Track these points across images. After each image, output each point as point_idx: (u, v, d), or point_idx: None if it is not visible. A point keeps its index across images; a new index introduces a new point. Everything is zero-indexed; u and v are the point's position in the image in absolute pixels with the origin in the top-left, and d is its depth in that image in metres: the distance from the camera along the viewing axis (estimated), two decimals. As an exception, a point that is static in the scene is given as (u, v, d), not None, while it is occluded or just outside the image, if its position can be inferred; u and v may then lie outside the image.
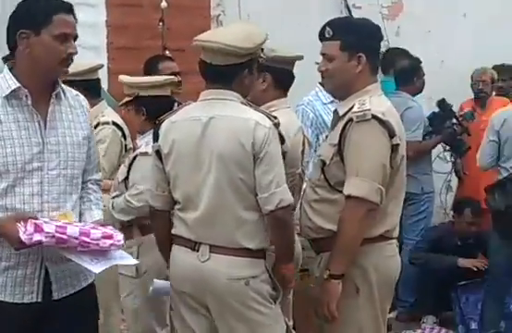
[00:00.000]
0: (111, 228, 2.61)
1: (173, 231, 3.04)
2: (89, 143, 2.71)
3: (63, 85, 2.66)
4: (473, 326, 5.17)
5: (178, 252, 3.01)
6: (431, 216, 5.72)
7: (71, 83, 2.88)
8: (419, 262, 5.35)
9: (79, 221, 2.64)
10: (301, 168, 3.46)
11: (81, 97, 2.77)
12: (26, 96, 2.56)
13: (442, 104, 5.66)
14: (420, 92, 5.70)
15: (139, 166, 3.62)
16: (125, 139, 4.23)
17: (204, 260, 2.92)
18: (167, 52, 5.53)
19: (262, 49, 3.05)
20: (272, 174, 2.88)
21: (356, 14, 6.18)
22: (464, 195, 5.78)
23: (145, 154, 3.57)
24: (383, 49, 4.17)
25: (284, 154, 2.98)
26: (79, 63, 3.13)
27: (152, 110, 3.68)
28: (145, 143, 3.68)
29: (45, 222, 2.47)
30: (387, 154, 2.92)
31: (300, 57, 3.57)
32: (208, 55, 2.95)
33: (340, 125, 3.00)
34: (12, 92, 2.55)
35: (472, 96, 6.04)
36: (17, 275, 2.56)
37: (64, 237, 2.46)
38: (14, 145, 2.53)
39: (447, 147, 5.79)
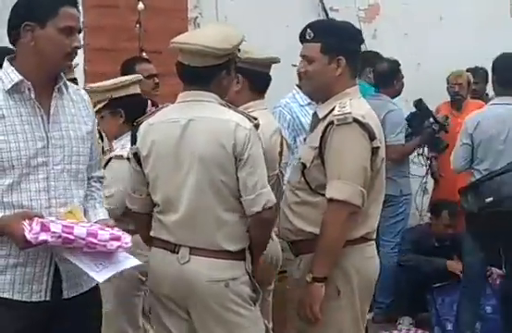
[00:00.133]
0: (118, 229, 2.54)
1: (152, 234, 3.03)
2: (91, 139, 2.67)
3: (65, 79, 2.61)
4: (449, 327, 5.20)
5: (157, 254, 2.99)
6: (408, 219, 5.76)
7: None
8: (408, 264, 5.38)
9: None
10: (279, 170, 3.46)
11: (83, 91, 2.73)
12: (29, 89, 2.49)
13: (419, 103, 5.71)
14: (399, 94, 5.74)
15: (112, 168, 3.59)
16: (102, 140, 4.21)
17: (184, 262, 2.91)
18: (144, 54, 5.52)
19: (239, 50, 3.05)
20: (256, 175, 2.89)
21: (333, 16, 6.19)
22: (440, 197, 5.82)
23: (120, 157, 3.55)
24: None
25: None
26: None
27: (129, 110, 3.67)
28: (121, 146, 3.66)
29: (52, 221, 2.40)
30: (368, 156, 2.93)
31: (272, 59, 3.56)
32: (186, 56, 2.94)
33: (320, 128, 3.00)
34: (14, 85, 2.49)
35: (448, 99, 6.08)
36: (25, 272, 2.48)
37: (70, 237, 2.39)
38: (18, 140, 2.47)
39: (421, 151, 5.83)
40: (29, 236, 2.36)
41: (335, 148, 2.91)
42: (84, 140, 2.61)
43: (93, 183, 2.74)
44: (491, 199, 4.60)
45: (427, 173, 6.00)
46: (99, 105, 3.74)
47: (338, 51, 3.01)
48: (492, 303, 5.16)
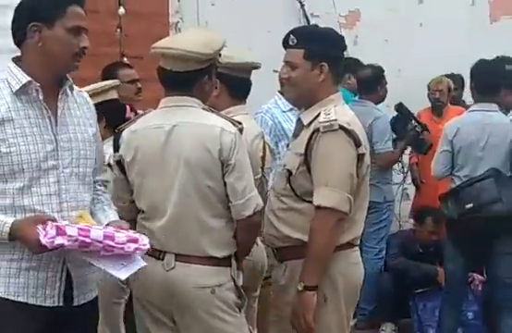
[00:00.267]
0: (134, 231, 2.49)
1: (136, 240, 3.00)
2: (96, 141, 2.62)
3: (71, 81, 2.56)
4: (431, 332, 5.21)
5: (142, 261, 2.97)
6: (390, 225, 5.77)
7: None
8: (396, 267, 5.39)
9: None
10: (262, 174, 3.45)
11: (85, 93, 2.68)
12: (37, 91, 2.44)
13: (400, 107, 5.74)
14: (383, 100, 5.76)
15: None
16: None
17: (169, 269, 2.90)
18: (125, 59, 5.49)
19: (220, 55, 3.04)
20: (244, 180, 2.89)
21: (314, 22, 6.19)
22: (422, 204, 5.83)
23: None
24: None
25: None
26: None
27: (109, 115, 3.66)
28: (102, 151, 3.64)
29: (67, 225, 2.33)
30: (354, 163, 2.93)
31: (252, 64, 3.55)
32: (168, 61, 2.93)
33: (305, 134, 2.99)
34: (22, 86, 2.43)
35: (429, 105, 6.10)
36: (38, 276, 2.44)
37: (87, 240, 2.32)
38: (27, 143, 2.41)
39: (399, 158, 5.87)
40: (44, 240, 2.29)
41: (322, 155, 2.91)
42: (90, 142, 2.57)
43: (98, 187, 2.69)
44: (471, 205, 4.63)
45: (404, 180, 6.03)
46: None
47: (321, 57, 3.00)
48: (473, 309, 5.18)
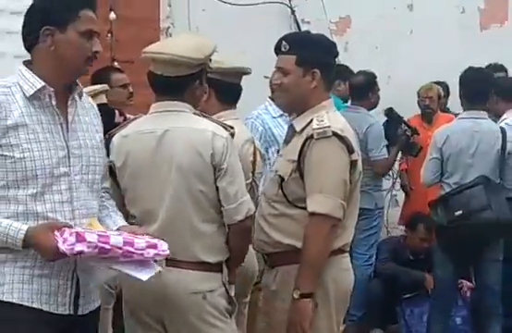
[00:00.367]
0: (151, 236, 2.45)
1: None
2: (103, 148, 2.59)
3: (81, 86, 2.53)
4: (419, 338, 5.22)
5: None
6: (380, 232, 5.78)
7: None
8: (386, 272, 5.39)
9: None
10: (253, 179, 3.45)
11: (89, 98, 2.65)
12: (49, 96, 2.40)
13: (390, 112, 5.77)
14: (375, 107, 5.78)
15: None
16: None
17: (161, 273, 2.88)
18: (116, 63, 5.48)
19: (211, 60, 3.04)
20: (236, 184, 2.89)
21: (305, 28, 6.21)
22: (411, 210, 5.84)
23: None
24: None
25: None
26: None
27: (102, 120, 3.64)
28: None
29: (86, 231, 2.28)
30: (347, 169, 2.94)
31: (242, 69, 3.55)
32: (159, 66, 2.92)
33: (297, 141, 3.00)
34: (37, 91, 2.39)
35: (419, 112, 6.12)
36: (51, 283, 2.40)
37: (107, 246, 2.26)
38: (41, 149, 2.38)
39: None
40: (63, 247, 2.23)
41: (315, 162, 2.91)
42: (99, 149, 2.55)
43: (102, 193, 2.65)
44: (460, 212, 4.65)
45: (393, 186, 6.04)
46: None
47: (313, 63, 3.00)
48: (462, 315, 5.20)
